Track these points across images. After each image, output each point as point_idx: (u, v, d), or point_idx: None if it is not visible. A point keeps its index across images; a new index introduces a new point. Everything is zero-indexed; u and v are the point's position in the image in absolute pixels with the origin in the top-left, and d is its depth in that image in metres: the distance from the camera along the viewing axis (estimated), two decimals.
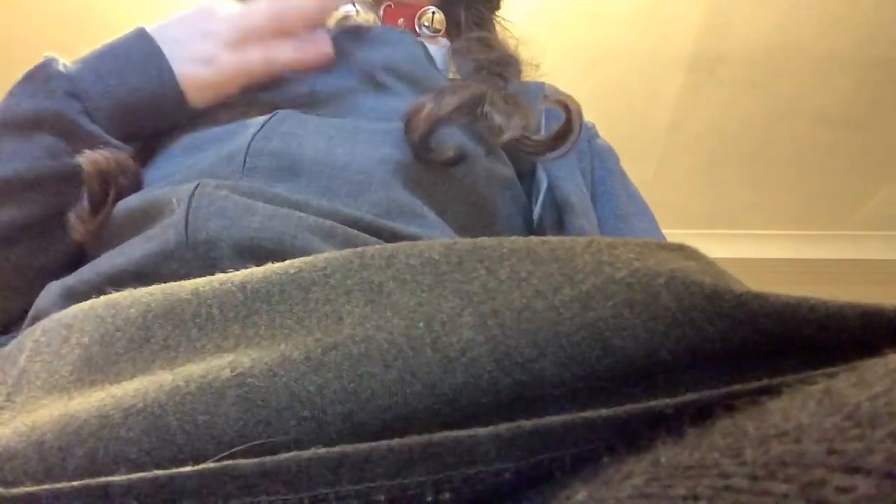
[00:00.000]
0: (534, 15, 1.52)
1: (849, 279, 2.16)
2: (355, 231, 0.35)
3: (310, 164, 0.39)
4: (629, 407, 0.18)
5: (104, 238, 0.39)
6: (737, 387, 0.18)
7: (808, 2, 1.51)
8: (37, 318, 0.33)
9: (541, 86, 0.53)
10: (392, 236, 0.36)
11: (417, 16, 0.55)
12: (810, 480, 0.11)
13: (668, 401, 0.18)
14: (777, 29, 1.57)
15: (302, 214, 0.34)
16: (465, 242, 0.24)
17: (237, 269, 0.26)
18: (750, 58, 1.64)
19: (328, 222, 0.34)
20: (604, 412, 0.18)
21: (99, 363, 0.25)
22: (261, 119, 0.42)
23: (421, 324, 0.21)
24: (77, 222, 0.40)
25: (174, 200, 0.35)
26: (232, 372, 0.21)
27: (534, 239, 0.24)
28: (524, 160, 0.49)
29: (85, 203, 0.40)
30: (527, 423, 0.18)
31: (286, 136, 0.40)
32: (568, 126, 0.45)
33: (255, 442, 0.20)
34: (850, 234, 2.17)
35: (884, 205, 2.05)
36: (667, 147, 1.88)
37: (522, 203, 0.49)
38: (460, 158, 0.42)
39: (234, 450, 0.19)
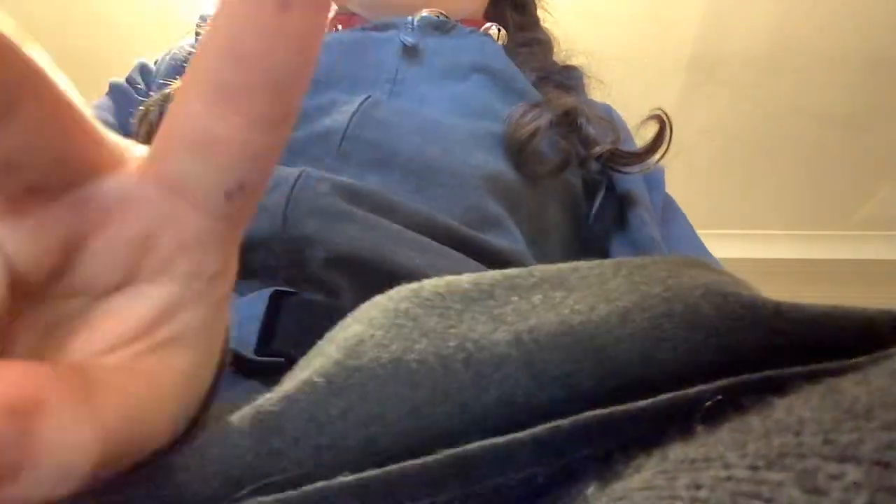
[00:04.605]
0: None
1: (849, 279, 2.16)
2: (448, 248, 0.34)
3: (404, 161, 0.38)
4: (664, 397, 0.18)
5: None
6: (741, 377, 0.18)
7: (808, 2, 1.52)
8: None
9: (608, 108, 0.53)
10: (481, 249, 0.35)
11: (482, 32, 0.54)
12: (805, 469, 0.11)
13: (702, 386, 0.18)
14: (777, 29, 1.57)
15: (396, 227, 0.33)
16: (494, 275, 0.24)
17: (325, 275, 0.25)
18: (750, 58, 1.64)
19: (424, 239, 0.34)
20: (641, 404, 0.18)
21: None
22: (356, 100, 0.41)
23: (452, 342, 0.20)
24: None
25: (269, 182, 0.34)
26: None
27: (563, 267, 0.24)
28: (590, 173, 0.48)
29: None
30: (564, 423, 0.18)
31: (382, 126, 0.39)
32: (660, 138, 0.44)
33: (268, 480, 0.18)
34: (850, 234, 2.17)
35: (884, 205, 2.05)
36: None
37: (581, 215, 0.48)
38: (563, 168, 0.41)
39: (246, 490, 0.18)
